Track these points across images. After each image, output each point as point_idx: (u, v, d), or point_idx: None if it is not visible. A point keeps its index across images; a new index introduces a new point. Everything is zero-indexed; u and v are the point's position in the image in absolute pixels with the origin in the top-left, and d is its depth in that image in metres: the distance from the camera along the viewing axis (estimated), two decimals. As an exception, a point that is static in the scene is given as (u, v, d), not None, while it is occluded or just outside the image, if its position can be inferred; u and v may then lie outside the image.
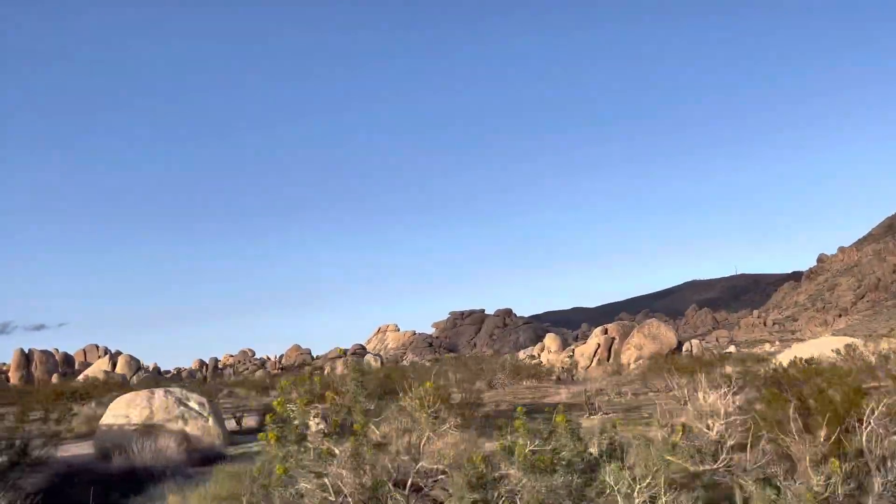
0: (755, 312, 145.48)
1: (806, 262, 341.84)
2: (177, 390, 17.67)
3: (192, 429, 15.91)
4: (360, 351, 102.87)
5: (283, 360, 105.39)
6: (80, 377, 45.49)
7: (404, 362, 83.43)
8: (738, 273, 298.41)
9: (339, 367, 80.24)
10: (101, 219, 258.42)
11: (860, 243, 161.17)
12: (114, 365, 53.86)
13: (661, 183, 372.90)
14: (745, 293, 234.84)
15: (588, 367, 52.95)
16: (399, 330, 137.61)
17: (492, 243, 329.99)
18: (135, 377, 50.51)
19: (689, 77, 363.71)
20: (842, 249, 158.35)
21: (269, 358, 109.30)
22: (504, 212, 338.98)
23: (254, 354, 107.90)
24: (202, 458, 14.09)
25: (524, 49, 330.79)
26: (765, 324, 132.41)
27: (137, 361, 55.84)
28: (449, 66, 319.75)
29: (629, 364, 51.50)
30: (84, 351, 71.10)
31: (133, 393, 17.28)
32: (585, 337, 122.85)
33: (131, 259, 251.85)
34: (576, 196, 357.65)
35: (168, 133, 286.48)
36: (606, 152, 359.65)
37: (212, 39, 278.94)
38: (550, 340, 64.97)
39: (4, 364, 73.02)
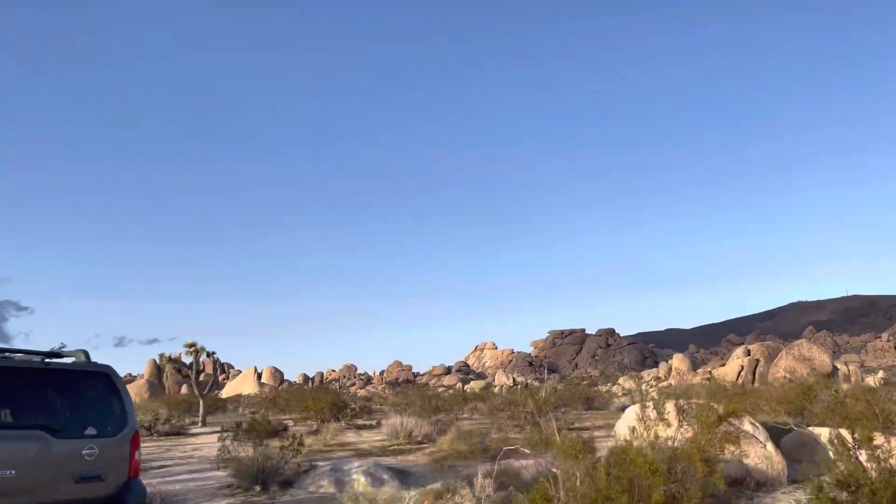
0: (884, 336, 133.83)
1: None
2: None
3: (752, 459, 11.16)
4: (465, 368, 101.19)
5: (385, 376, 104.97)
6: (227, 387, 45.62)
7: (523, 383, 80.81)
8: (850, 294, 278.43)
9: (448, 383, 78.63)
10: (199, 233, 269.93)
11: None
12: (259, 376, 54.29)
13: (757, 199, 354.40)
14: (862, 316, 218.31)
15: (731, 391, 48.98)
16: (496, 348, 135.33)
17: (587, 262, 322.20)
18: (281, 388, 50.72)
19: (794, 86, 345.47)
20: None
21: (367, 374, 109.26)
22: (598, 229, 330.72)
23: (356, 369, 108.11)
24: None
25: (640, 50, 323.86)
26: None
27: (281, 373, 55.95)
28: (565, 76, 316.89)
29: (779, 389, 47.15)
30: (203, 362, 72.78)
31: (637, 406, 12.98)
32: (695, 360, 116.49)
33: (231, 273, 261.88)
34: (670, 213, 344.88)
35: (257, 140, 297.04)
36: (703, 168, 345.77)
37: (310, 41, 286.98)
38: (679, 362, 60.95)
39: (130, 374, 75.68)
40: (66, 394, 6.83)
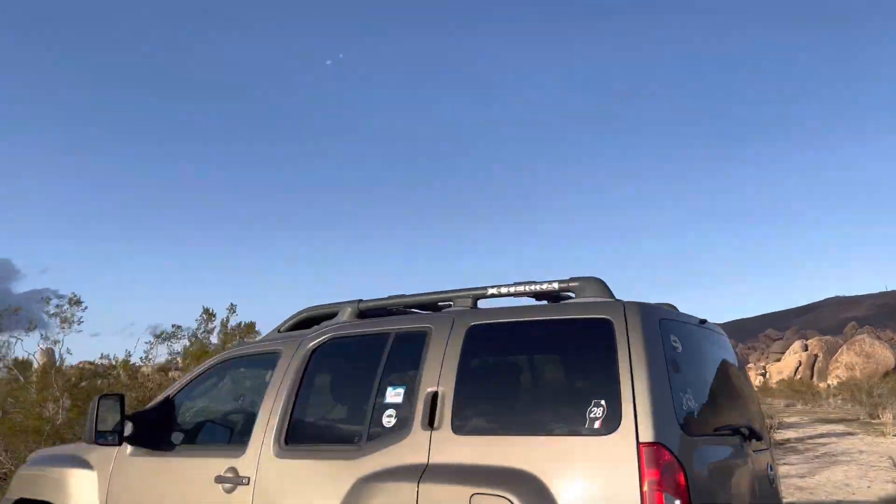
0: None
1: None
2: None
3: None
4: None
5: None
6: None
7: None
8: (889, 289, 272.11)
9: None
10: (236, 224, 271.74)
11: None
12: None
13: (792, 193, 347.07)
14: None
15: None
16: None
17: (618, 256, 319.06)
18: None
19: (830, 79, 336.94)
20: None
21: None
22: (626, 225, 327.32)
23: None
24: None
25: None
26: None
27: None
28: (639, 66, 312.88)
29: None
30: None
31: None
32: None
33: (263, 264, 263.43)
34: (703, 208, 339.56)
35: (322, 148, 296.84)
36: (735, 163, 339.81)
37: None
38: (729, 356, 59.49)
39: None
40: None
